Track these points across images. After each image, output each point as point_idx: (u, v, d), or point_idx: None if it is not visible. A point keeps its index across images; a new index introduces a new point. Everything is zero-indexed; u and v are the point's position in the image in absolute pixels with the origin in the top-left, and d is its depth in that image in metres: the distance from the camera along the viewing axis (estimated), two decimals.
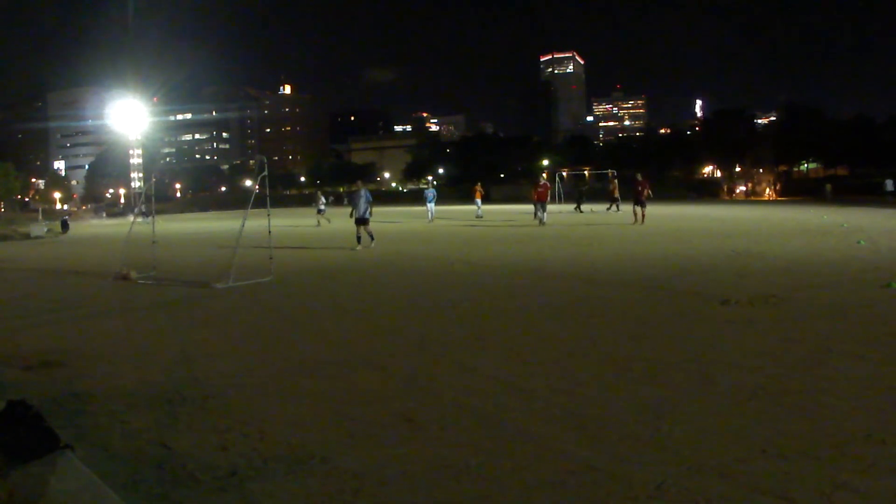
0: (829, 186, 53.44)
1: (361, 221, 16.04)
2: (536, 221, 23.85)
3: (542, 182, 25.54)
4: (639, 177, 23.57)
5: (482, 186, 35.35)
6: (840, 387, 4.57)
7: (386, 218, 32.38)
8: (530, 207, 35.41)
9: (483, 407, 4.38)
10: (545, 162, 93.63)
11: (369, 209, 16.10)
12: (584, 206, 33.46)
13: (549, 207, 29.78)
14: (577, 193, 35.98)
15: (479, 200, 32.77)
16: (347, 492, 3.22)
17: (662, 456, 3.50)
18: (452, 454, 3.62)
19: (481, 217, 30.30)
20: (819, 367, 5.06)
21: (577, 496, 3.11)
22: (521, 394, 4.62)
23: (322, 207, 29.50)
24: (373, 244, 16.03)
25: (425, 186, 35.89)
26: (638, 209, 22.77)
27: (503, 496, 3.14)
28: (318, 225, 26.99)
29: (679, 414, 4.13)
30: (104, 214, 65.52)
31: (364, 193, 16.29)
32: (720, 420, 4.01)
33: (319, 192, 34.54)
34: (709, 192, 73.52)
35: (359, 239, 16.00)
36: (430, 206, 29.39)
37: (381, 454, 3.66)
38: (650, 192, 23.91)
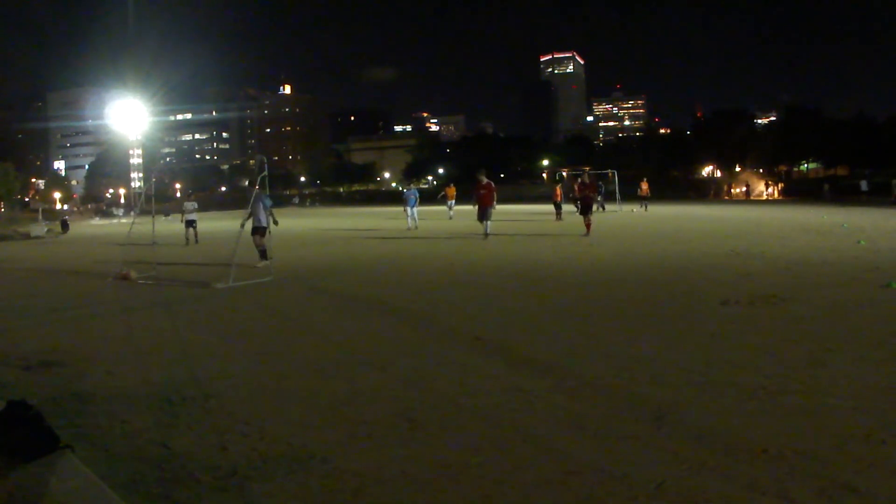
0: (826, 186, 54.93)
1: (257, 231, 12.95)
2: (483, 235, 18.19)
3: (485, 181, 18.58)
4: (585, 178, 19.72)
5: (454, 186, 34.78)
6: (840, 387, 4.56)
7: (360, 225, 32.27)
8: (526, 208, 35.09)
9: (483, 407, 4.38)
10: (545, 162, 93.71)
11: (270, 217, 13.05)
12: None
13: (568, 207, 28.88)
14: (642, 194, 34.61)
15: (452, 202, 32.05)
16: (347, 492, 3.22)
17: (662, 456, 3.50)
18: (452, 454, 3.62)
19: (452, 218, 29.26)
20: (819, 367, 5.05)
21: (577, 496, 3.11)
22: (521, 394, 4.62)
23: (192, 217, 20.47)
24: (262, 264, 12.51)
25: (406, 188, 30.80)
26: (585, 217, 18.47)
27: (503, 496, 3.14)
28: (196, 241, 20.10)
29: (679, 414, 4.13)
30: (131, 213, 60.93)
31: (262, 197, 13.12)
32: (720, 420, 4.01)
33: (192, 197, 23.52)
34: (709, 191, 73.51)
35: (263, 252, 12.80)
36: (411, 209, 24.19)
37: (381, 454, 3.65)
38: (596, 194, 19.63)
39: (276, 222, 13.35)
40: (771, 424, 3.91)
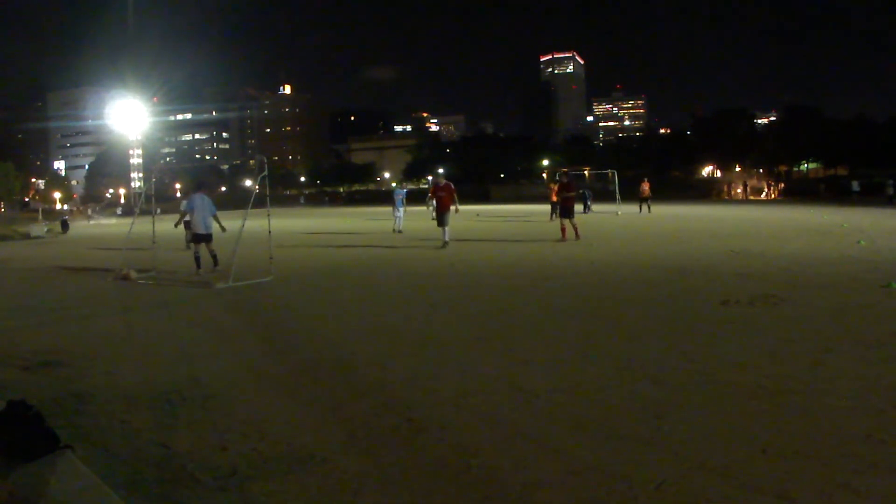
0: (822, 186, 56.26)
1: (202, 238, 12.05)
2: (440, 243, 15.99)
3: (443, 182, 16.66)
4: (564, 178, 18.02)
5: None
6: (840, 387, 4.57)
7: (355, 227, 32.23)
8: (525, 208, 34.78)
9: (483, 407, 4.38)
10: (545, 162, 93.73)
11: (212, 221, 12.09)
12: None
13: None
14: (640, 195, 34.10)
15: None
16: (347, 492, 3.22)
17: (662, 456, 3.50)
18: (452, 454, 3.62)
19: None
20: (819, 367, 5.05)
21: (577, 496, 3.11)
22: (521, 394, 4.62)
23: (189, 219, 19.36)
24: (217, 269, 11.80)
25: (395, 186, 29.25)
26: (566, 221, 16.67)
27: (503, 496, 3.14)
28: (189, 247, 18.43)
29: (679, 414, 4.13)
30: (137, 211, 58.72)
31: (204, 198, 12.26)
32: (720, 420, 4.01)
33: (188, 194, 20.39)
34: (709, 192, 73.56)
35: (198, 260, 11.96)
36: (398, 210, 22.34)
37: (381, 454, 3.65)
38: (575, 194, 17.72)
39: (176, 224, 13.73)
40: (771, 424, 3.91)
